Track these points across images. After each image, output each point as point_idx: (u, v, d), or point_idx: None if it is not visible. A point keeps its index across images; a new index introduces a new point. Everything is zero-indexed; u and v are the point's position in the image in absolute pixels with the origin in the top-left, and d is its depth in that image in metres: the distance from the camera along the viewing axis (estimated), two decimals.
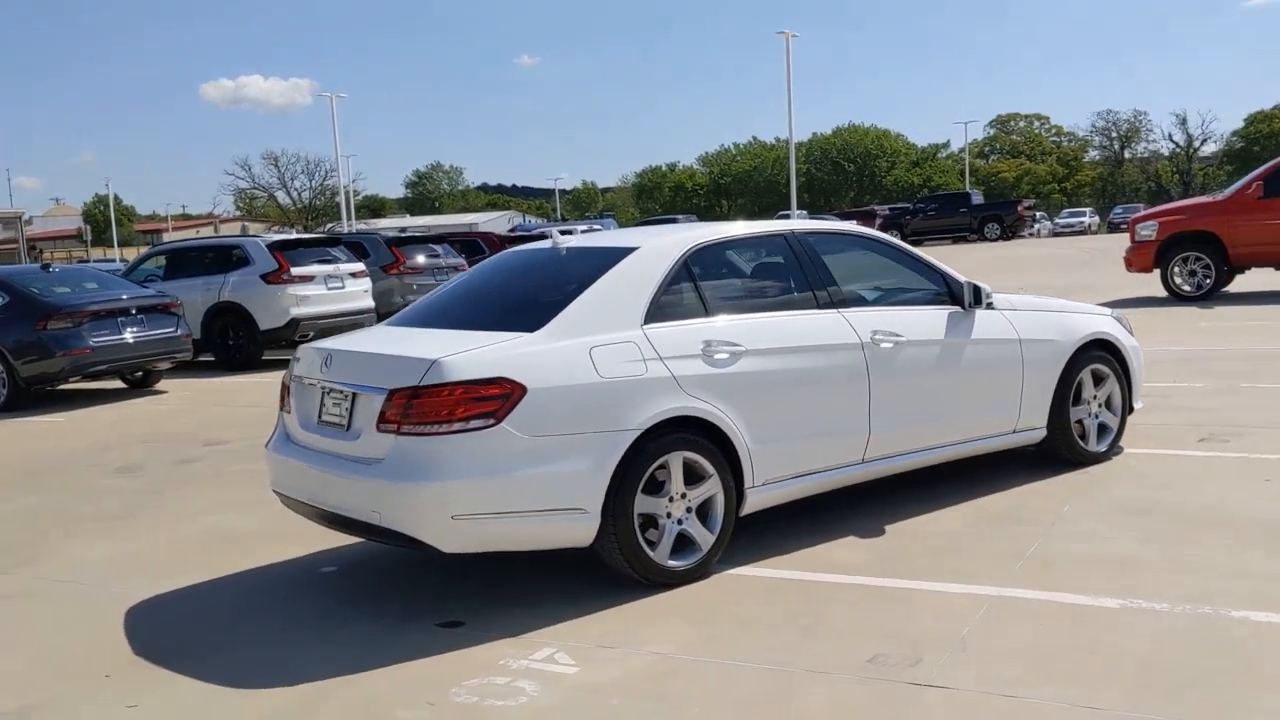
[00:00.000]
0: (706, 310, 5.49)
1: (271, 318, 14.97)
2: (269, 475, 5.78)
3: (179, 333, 13.21)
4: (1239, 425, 7.64)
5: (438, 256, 18.14)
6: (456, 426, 4.71)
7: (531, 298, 5.65)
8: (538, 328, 5.07)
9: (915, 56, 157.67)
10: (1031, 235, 50.31)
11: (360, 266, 16.15)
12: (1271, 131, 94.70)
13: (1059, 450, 6.74)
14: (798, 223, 6.34)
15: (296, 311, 14.98)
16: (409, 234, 20.68)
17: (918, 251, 6.51)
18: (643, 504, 5.06)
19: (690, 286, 5.50)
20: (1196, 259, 16.93)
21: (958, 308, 6.27)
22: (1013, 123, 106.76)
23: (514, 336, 5.02)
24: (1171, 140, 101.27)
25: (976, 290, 6.27)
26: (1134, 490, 6.24)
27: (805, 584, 5.12)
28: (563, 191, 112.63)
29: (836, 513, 6.06)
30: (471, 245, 19.65)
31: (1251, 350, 11.15)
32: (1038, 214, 57.41)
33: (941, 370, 6.12)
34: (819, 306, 5.81)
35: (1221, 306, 15.56)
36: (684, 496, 5.20)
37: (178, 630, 5.11)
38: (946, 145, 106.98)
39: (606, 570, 5.19)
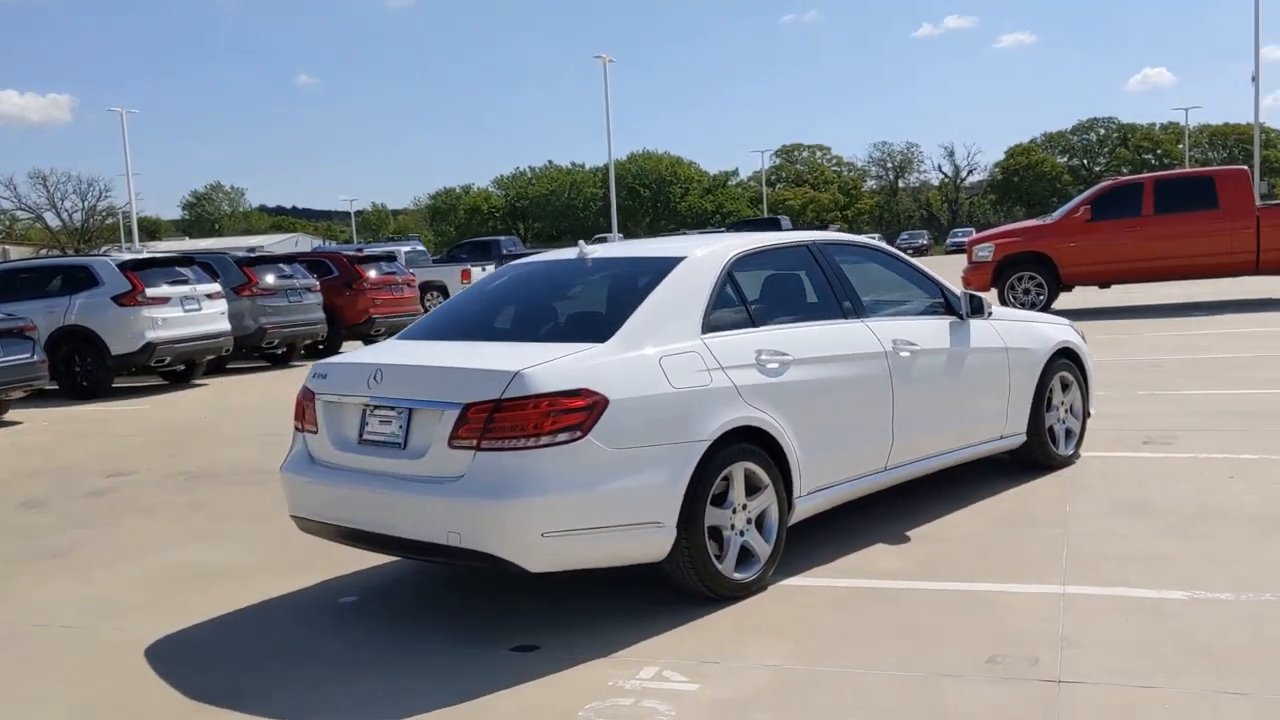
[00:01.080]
0: (752, 320, 5.48)
1: (124, 342, 13.98)
2: (289, 499, 5.42)
3: (35, 358, 12.22)
4: (1169, 429, 8.14)
5: (290, 277, 17.39)
6: (544, 440, 4.54)
7: (583, 308, 5.51)
8: (606, 338, 4.93)
9: (704, 87, 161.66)
10: None
11: (216, 287, 15.31)
12: (1029, 163, 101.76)
13: (1034, 455, 7.02)
14: (817, 234, 6.41)
15: (153, 335, 14.04)
16: (259, 253, 19.77)
17: (916, 263, 6.68)
18: (711, 516, 4.99)
19: (736, 295, 5.48)
20: (1030, 278, 18.02)
21: (955, 317, 6.46)
22: (797, 153, 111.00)
23: (585, 347, 4.87)
24: (941, 171, 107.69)
25: (976, 301, 6.48)
26: (1118, 491, 6.55)
27: (869, 591, 5.15)
28: (354, 214, 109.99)
29: (847, 522, 6.10)
30: (319, 265, 18.94)
31: (1121, 361, 11.90)
32: None
33: (947, 378, 6.29)
34: (844, 316, 5.88)
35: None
36: (744, 508, 5.15)
37: (219, 671, 4.70)
38: (736, 173, 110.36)
39: (650, 586, 5.11)
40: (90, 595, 5.86)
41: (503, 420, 4.56)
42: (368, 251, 20.39)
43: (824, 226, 49.50)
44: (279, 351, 17.71)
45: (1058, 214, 18.94)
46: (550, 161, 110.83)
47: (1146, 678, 4.00)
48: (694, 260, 5.45)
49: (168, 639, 5.11)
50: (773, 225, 44.58)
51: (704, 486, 4.90)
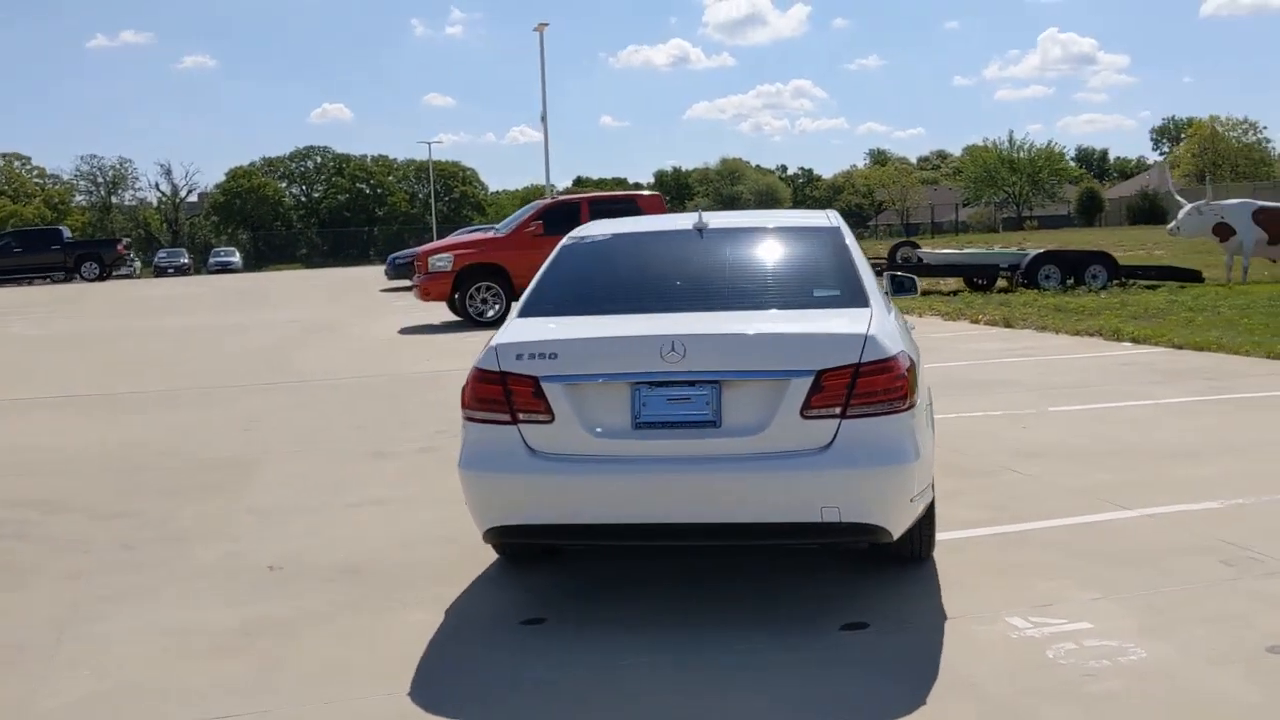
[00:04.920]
0: None
1: None
2: (495, 507, 4.48)
3: None
4: None
5: None
6: (901, 405, 4.40)
7: (783, 275, 5.21)
8: (860, 303, 4.83)
9: None
10: (131, 275, 49.17)
11: None
12: (251, 186, 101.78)
13: None
14: None
15: None
16: None
17: None
18: None
19: None
20: (488, 288, 18.78)
21: None
22: None
23: (862, 311, 4.72)
24: (159, 189, 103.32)
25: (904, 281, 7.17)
26: (975, 443, 7.62)
27: (1004, 536, 5.55)
28: None
29: None
30: None
31: None
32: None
33: None
34: None
35: None
36: None
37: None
38: None
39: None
40: (124, 689, 4.19)
41: (866, 385, 4.32)
42: None
43: (117, 241, 45.27)
44: None
45: (506, 228, 19.92)
46: None
47: None
48: (844, 227, 5.48)
49: (416, 707, 3.93)
50: (53, 236, 40.02)
51: None
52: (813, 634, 4.43)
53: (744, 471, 4.27)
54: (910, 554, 5.07)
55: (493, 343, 4.61)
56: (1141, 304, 16.44)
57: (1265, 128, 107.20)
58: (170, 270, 57.46)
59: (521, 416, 4.44)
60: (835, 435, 4.28)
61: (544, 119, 37.19)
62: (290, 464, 7.95)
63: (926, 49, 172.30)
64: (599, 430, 4.38)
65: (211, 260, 62.51)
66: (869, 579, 5.03)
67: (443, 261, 18.85)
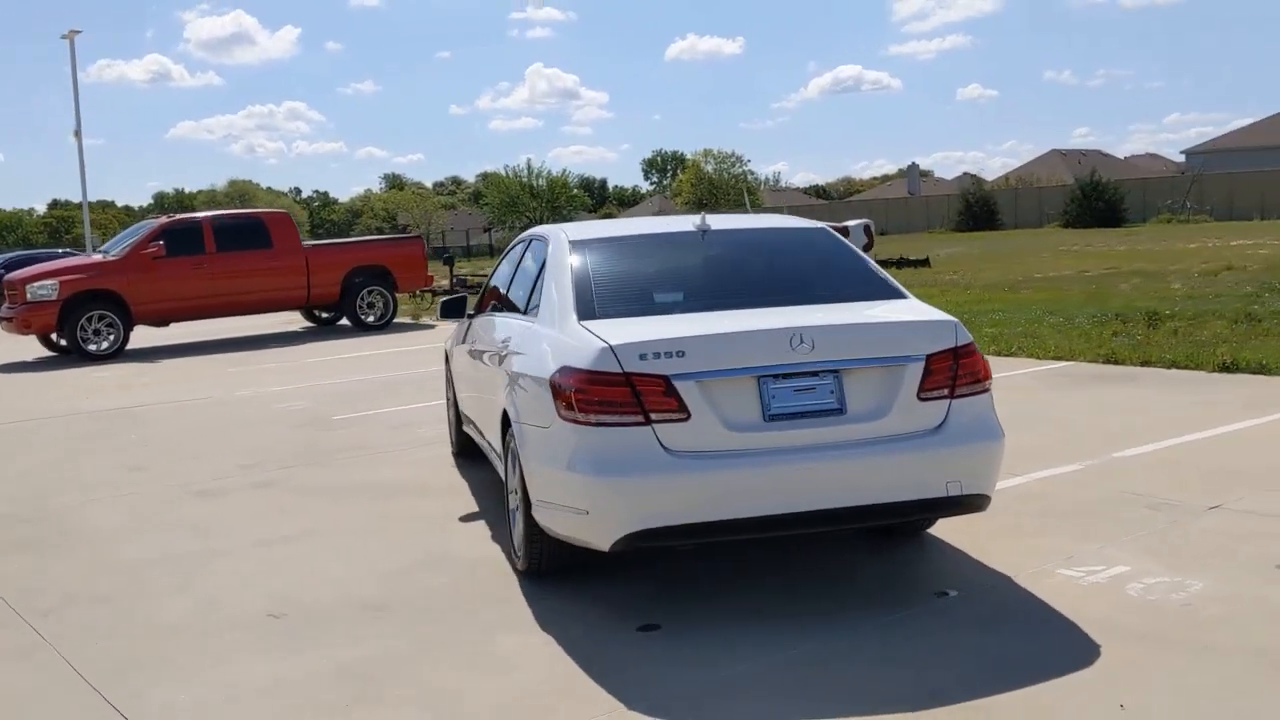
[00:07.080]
0: None
1: None
2: (631, 512, 4.36)
3: None
4: None
5: None
6: (990, 384, 4.80)
7: (831, 271, 5.41)
8: (897, 296, 5.15)
9: None
10: None
11: None
12: None
13: None
14: None
15: None
16: None
17: None
18: None
19: None
20: (102, 317, 16.85)
21: None
22: None
23: (915, 301, 5.06)
24: None
25: None
26: None
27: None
28: None
29: None
30: None
31: (291, 390, 12.73)
32: None
33: None
34: None
35: (140, 363, 16.07)
36: None
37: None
38: None
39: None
40: None
41: (964, 367, 4.67)
42: None
43: None
44: None
45: (116, 250, 17.90)
46: None
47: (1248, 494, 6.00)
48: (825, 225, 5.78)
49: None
50: None
51: None
52: (918, 604, 4.69)
53: (876, 455, 4.45)
54: (921, 528, 5.45)
55: (606, 344, 4.42)
56: None
57: (750, 160, 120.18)
58: None
59: (655, 416, 4.33)
60: (947, 415, 4.58)
61: (78, 134, 33.72)
62: (107, 512, 6.88)
63: (421, 77, 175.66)
64: (734, 425, 4.37)
65: None
66: (888, 554, 5.37)
67: (45, 289, 16.69)
